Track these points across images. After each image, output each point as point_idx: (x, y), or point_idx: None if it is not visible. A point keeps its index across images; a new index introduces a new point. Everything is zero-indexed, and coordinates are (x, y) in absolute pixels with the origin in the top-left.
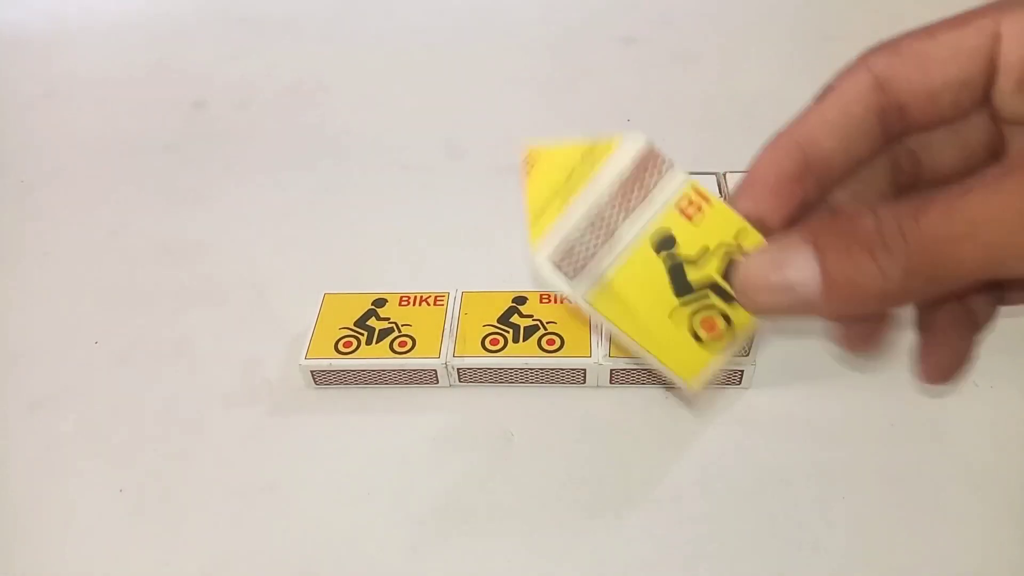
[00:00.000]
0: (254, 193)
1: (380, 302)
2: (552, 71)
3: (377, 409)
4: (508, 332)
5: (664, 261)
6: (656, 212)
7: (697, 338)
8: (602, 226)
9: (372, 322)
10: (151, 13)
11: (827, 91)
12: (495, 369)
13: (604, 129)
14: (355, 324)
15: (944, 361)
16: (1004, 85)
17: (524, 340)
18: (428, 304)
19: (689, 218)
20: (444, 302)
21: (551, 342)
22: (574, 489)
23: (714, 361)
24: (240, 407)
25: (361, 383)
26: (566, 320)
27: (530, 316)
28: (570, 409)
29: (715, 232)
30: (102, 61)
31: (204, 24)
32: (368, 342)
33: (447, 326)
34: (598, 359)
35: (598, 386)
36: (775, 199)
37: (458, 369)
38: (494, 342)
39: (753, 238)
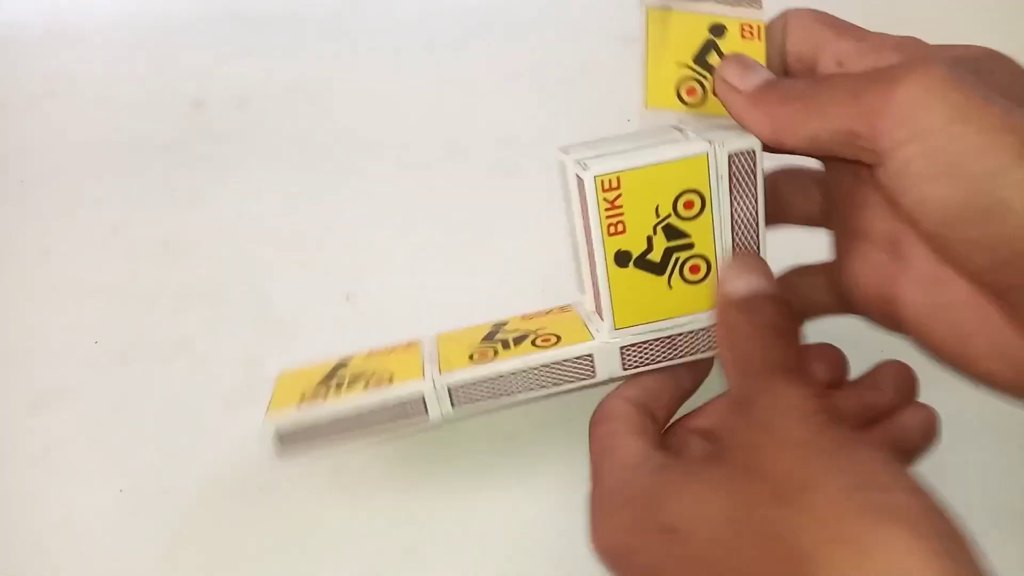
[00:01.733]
0: (254, 193)
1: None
2: (552, 71)
3: None
4: (496, 345)
5: (706, 39)
6: (730, 14)
7: (677, 95)
8: None
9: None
10: (151, 13)
11: None
12: (491, 380)
13: (604, 128)
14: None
15: None
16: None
17: (516, 346)
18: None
19: (742, 37)
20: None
21: (546, 340)
22: (576, 488)
23: (674, 111)
24: (240, 407)
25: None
26: (555, 323)
27: (515, 330)
28: (571, 408)
29: (747, 52)
30: (101, 61)
31: (204, 24)
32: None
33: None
34: (605, 338)
35: (602, 384)
36: None
37: (449, 388)
38: (483, 354)
39: None
